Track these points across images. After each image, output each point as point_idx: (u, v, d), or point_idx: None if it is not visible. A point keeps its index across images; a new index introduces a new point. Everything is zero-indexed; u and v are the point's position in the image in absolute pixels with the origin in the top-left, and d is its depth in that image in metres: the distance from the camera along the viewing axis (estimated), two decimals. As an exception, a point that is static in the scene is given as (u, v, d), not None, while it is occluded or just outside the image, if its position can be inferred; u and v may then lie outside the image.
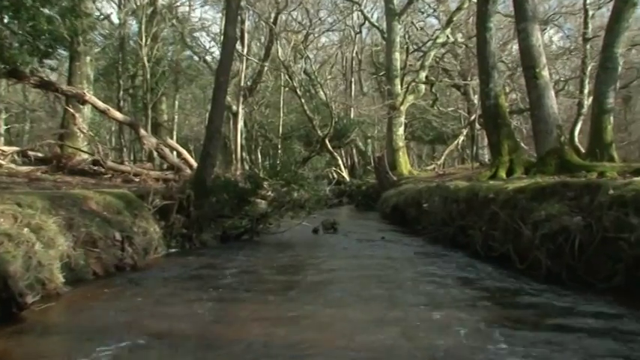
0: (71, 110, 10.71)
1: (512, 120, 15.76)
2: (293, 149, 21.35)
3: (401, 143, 16.70)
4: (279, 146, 21.70)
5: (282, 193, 7.83)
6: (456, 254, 5.66)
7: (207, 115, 8.43)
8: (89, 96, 10.27)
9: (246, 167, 21.46)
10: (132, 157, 20.85)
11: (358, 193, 15.95)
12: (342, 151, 29.01)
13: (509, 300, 3.36)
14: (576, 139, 14.23)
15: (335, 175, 20.97)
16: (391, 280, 4.05)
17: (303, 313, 3.03)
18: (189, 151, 20.95)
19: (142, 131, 11.08)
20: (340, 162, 20.83)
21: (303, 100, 20.69)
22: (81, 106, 11.04)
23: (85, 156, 10.01)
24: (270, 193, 8.30)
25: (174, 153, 14.40)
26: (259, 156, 26.62)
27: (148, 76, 17.33)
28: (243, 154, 22.88)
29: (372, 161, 18.10)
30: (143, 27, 16.97)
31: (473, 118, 17.04)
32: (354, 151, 28.33)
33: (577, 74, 16.20)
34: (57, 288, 3.45)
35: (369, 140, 25.05)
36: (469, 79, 18.41)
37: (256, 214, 7.48)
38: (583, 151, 11.20)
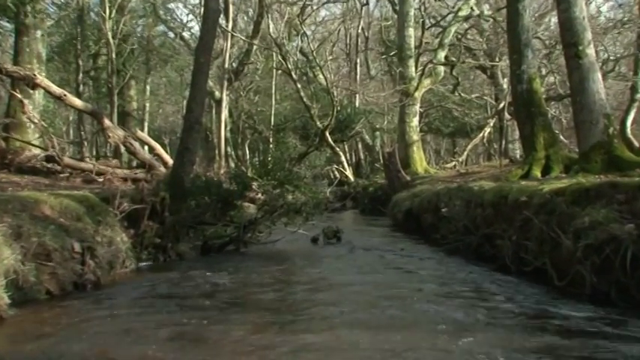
0: (19, 96, 9.70)
1: (549, 108, 15.73)
2: (287, 144, 21.35)
3: (415, 136, 16.71)
4: (271, 140, 21.71)
5: (274, 195, 7.86)
6: (482, 269, 5.66)
7: (185, 102, 8.39)
8: (41, 78, 9.61)
9: (232, 165, 21.52)
10: (94, 153, 20.75)
11: (364, 195, 15.98)
12: (346, 146, 29.13)
13: (549, 326, 3.24)
14: (628, 131, 13.67)
15: (337, 175, 20.98)
16: (406, 301, 4.04)
17: (300, 343, 2.95)
18: (163, 146, 21.05)
19: (107, 121, 10.95)
20: (343, 159, 20.85)
21: (299, 86, 20.72)
22: (31, 91, 9.91)
23: (37, 151, 9.65)
24: (260, 195, 8.28)
25: (146, 148, 14.38)
26: (247, 152, 26.69)
27: (114, 55, 16.61)
28: (228, 149, 22.96)
29: (380, 158, 18.13)
30: (106, -5, 15.77)
31: (502, 106, 17.02)
32: (360, 145, 28.45)
33: (630, 51, 15.40)
34: (0, 310, 3.35)
35: (378, 133, 25.12)
36: (497, 59, 18.40)
37: (243, 220, 7.52)
38: (637, 145, 11.11)
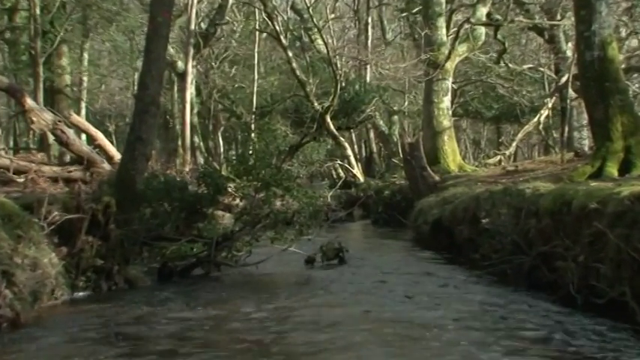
0: None
1: (629, 82, 15.53)
2: (274, 132, 21.25)
3: (446, 122, 16.75)
4: (253, 127, 21.73)
5: (256, 201, 7.88)
6: (537, 301, 5.67)
7: (137, 76, 8.39)
8: None
9: (200, 160, 21.54)
10: (12, 144, 20.53)
11: (378, 201, 16.04)
12: (353, 135, 29.14)
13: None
14: None
15: (341, 173, 21.04)
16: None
17: None
18: (107, 135, 21.00)
19: (29, 101, 10.82)
20: (350, 152, 20.91)
21: (290, 54, 20.70)
22: None
23: None
24: (237, 201, 8.28)
25: (84, 137, 14.28)
26: (221, 142, 26.73)
27: (37, 10, 15.96)
28: (195, 139, 22.83)
29: (399, 151, 18.14)
30: None
31: (564, 80, 16.95)
32: (372, 134, 28.48)
33: None
34: None
35: (396, 118, 25.20)
36: (558, 17, 18.42)
37: (216, 235, 7.55)
38: None
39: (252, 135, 22.31)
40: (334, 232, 9.61)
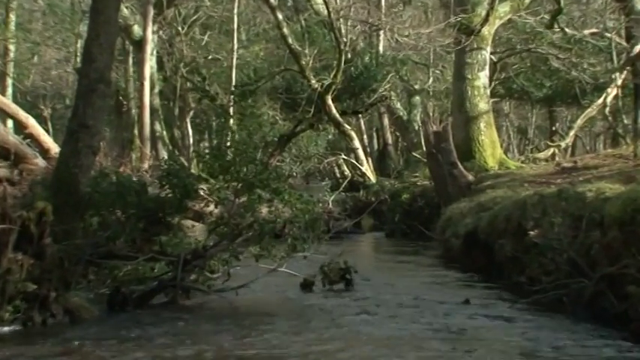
0: None
1: None
2: (259, 118, 21.26)
3: (483, 104, 16.76)
4: (232, 112, 21.72)
5: (236, 207, 7.92)
6: (604, 339, 5.68)
7: (81, 45, 8.39)
8: None
9: (163, 154, 21.44)
10: None
11: (394, 207, 16.10)
12: (362, 122, 29.01)
13: None
14: None
15: (346, 171, 21.02)
16: None
17: None
18: (41, 121, 20.78)
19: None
20: (357, 143, 20.94)
21: (280, 17, 20.69)
22: None
23: None
24: (212, 207, 8.29)
25: (10, 124, 14.17)
26: (190, 131, 26.68)
27: None
28: (157, 126, 22.57)
29: (422, 142, 18.12)
30: None
31: (638, 50, 16.90)
32: (386, 121, 28.51)
33: None
34: None
35: (417, 99, 25.23)
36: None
37: (184, 251, 7.59)
38: None
39: (231, 122, 22.36)
40: (338, 247, 9.60)
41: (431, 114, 25.88)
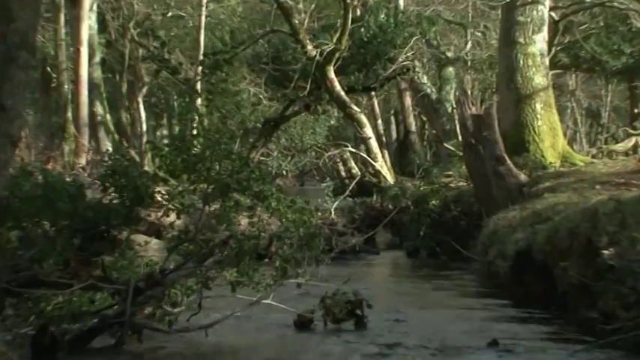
0: None
1: None
2: (237, 97, 21.16)
3: (540, 79, 16.73)
4: (199, 88, 21.60)
5: (206, 218, 7.96)
6: None
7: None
8: None
9: (107, 146, 21.28)
10: None
11: (419, 217, 16.08)
12: (376, 102, 28.76)
13: None
14: None
15: (355, 169, 21.00)
16: None
17: None
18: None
19: None
20: (369, 132, 20.94)
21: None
22: None
23: None
24: (173, 218, 8.30)
25: None
26: (143, 115, 26.47)
27: None
28: (99, 108, 22.64)
29: (457, 130, 18.03)
30: None
31: None
32: (408, 100, 28.33)
33: None
34: None
35: (451, 71, 25.19)
36: None
37: (135, 276, 7.61)
38: None
39: (199, 102, 22.22)
40: (344, 272, 9.58)
41: (469, 91, 25.83)
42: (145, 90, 26.06)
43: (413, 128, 27.90)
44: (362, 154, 20.68)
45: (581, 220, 8.90)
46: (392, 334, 8.16)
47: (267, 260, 8.07)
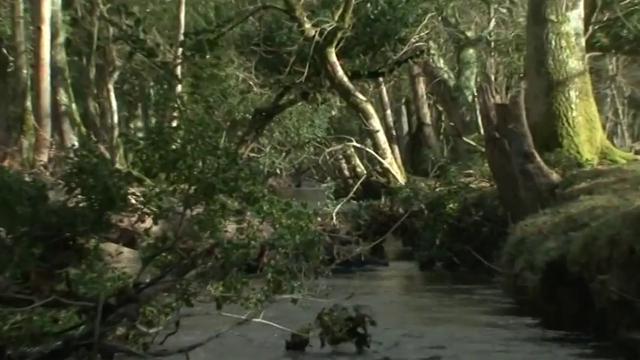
0: None
1: None
2: (223, 83, 21.14)
3: (575, 62, 16.68)
4: (180, 74, 21.57)
5: (187, 224, 7.94)
6: None
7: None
8: None
9: (73, 140, 21.26)
10: None
11: (434, 223, 16.11)
12: (384, 90, 28.82)
13: None
14: None
15: (360, 168, 20.97)
16: None
17: None
18: None
19: None
20: (377, 124, 20.91)
21: None
22: None
23: None
24: (149, 223, 8.29)
25: None
26: (114, 105, 26.47)
27: None
28: (63, 96, 22.86)
29: (479, 123, 17.99)
30: None
31: None
32: (422, 87, 28.35)
33: None
34: None
35: (471, 54, 25.18)
36: None
37: (105, 292, 7.56)
38: None
39: (179, 89, 22.22)
40: (346, 286, 9.55)
41: (493, 77, 25.86)
42: (116, 75, 26.10)
43: (427, 120, 27.93)
44: (368, 149, 20.70)
45: (623, 226, 8.86)
46: (399, 355, 8.13)
47: (258, 272, 8.04)
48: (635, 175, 12.98)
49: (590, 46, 19.20)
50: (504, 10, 24.84)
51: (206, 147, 7.94)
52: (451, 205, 15.99)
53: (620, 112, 31.26)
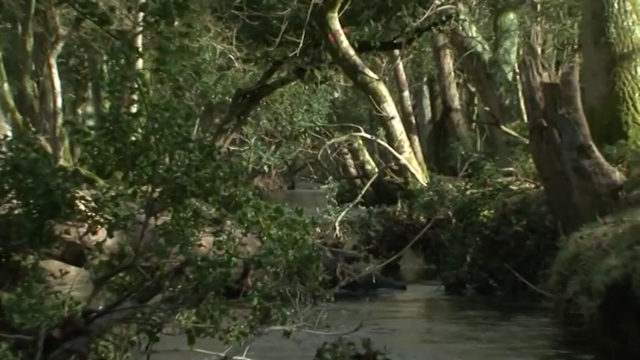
0: None
1: None
2: (195, 57, 21.11)
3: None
4: (140, 45, 21.58)
5: (151, 236, 7.98)
6: None
7: None
8: None
9: (7, 130, 21.20)
10: None
11: (464, 234, 16.18)
12: (401, 66, 28.74)
13: None
14: None
15: (370, 165, 20.99)
16: None
17: None
18: None
19: None
20: (391, 109, 20.95)
21: None
22: None
23: None
24: (104, 236, 8.35)
25: None
26: (57, 84, 26.42)
27: None
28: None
29: (522, 107, 17.93)
30: None
31: None
32: (448, 62, 28.29)
33: None
34: None
35: (510, 19, 25.14)
36: None
37: (47, 321, 7.59)
38: None
39: (140, 64, 22.20)
40: (354, 313, 9.59)
41: (539, 49, 25.87)
42: (60, 47, 26.11)
43: (456, 103, 27.97)
44: (380, 141, 20.75)
45: None
46: None
47: (240, 297, 8.07)
48: None
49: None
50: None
51: (174, 138, 7.94)
52: (486, 213, 16.03)
53: None
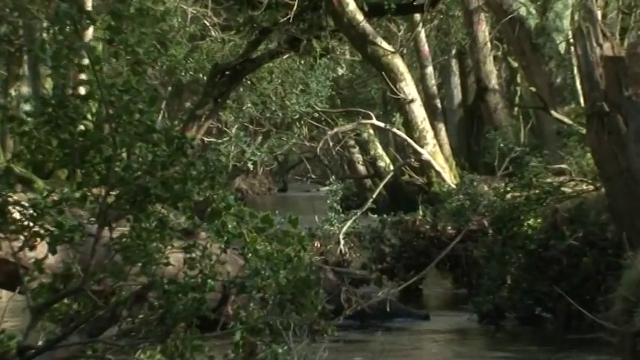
0: None
1: None
2: (158, 24, 21.17)
3: None
4: (90, 9, 21.65)
5: (105, 252, 7.96)
6: None
7: None
8: None
9: None
10: None
11: (503, 250, 16.11)
12: (422, 34, 28.86)
13: None
14: None
15: (384, 159, 21.12)
16: None
17: None
18: None
19: None
20: (409, 89, 21.06)
21: None
22: None
23: None
24: (44, 252, 8.43)
25: None
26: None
27: None
28: None
29: (578, 88, 18.03)
30: None
31: None
32: (483, 30, 28.38)
33: None
34: None
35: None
36: None
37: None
38: None
39: (90, 34, 22.29)
40: (362, 349, 9.66)
41: (599, 13, 26.01)
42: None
43: (493, 83, 28.03)
44: (397, 131, 20.85)
45: None
46: None
47: (218, 331, 8.11)
48: None
49: None
50: None
51: (134, 128, 7.97)
52: (531, 222, 16.06)
53: None
